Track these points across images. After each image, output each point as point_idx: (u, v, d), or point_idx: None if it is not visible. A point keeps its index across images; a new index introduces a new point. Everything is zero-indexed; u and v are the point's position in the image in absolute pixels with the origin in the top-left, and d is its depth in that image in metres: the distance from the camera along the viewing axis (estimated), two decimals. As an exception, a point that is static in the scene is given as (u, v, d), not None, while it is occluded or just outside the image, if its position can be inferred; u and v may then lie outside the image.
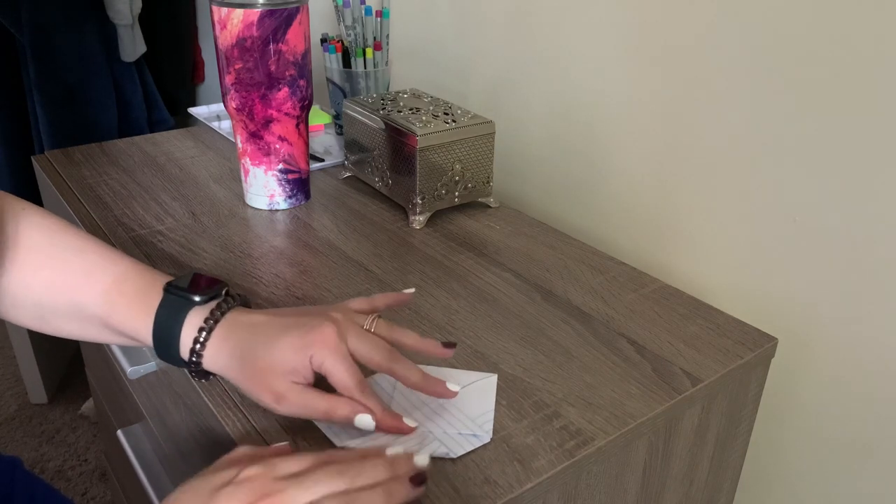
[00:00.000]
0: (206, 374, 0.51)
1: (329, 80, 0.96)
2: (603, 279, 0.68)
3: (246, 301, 0.53)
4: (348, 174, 0.88)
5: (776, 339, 0.60)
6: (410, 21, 1.02)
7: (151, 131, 1.58)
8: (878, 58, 0.54)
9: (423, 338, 0.50)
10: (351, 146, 0.85)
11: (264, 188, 0.79)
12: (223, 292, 0.51)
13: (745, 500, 0.74)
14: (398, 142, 0.75)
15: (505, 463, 0.46)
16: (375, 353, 0.47)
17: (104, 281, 0.52)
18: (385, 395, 0.52)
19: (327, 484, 0.38)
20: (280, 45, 0.72)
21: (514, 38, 0.86)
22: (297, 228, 0.76)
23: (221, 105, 1.10)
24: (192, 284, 0.51)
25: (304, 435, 0.48)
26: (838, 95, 0.57)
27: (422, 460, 0.42)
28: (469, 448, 0.47)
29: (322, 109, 1.09)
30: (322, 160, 0.93)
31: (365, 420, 0.46)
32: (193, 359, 0.49)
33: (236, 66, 0.73)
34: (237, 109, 0.75)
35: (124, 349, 0.66)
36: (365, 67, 0.92)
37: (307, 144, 0.80)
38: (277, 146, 0.77)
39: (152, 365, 0.64)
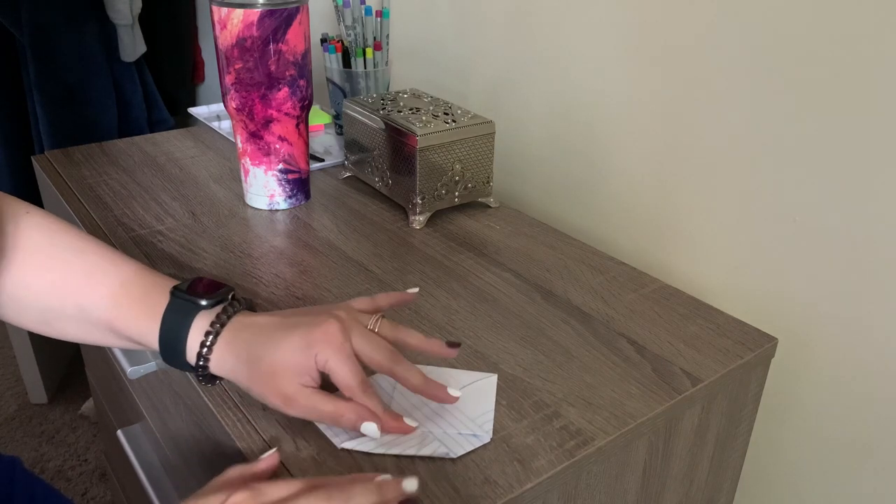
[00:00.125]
0: (213, 379, 0.51)
1: (329, 80, 0.96)
2: (603, 279, 0.68)
3: (251, 305, 0.53)
4: (348, 174, 0.88)
5: (776, 339, 0.60)
6: (410, 21, 1.02)
7: (151, 131, 1.58)
8: (878, 58, 0.54)
9: (427, 337, 0.50)
10: (351, 146, 0.85)
11: (264, 188, 0.79)
12: (229, 296, 0.51)
13: (745, 500, 0.74)
14: (398, 142, 0.75)
15: (505, 463, 0.46)
16: (377, 354, 0.47)
17: (109, 284, 0.51)
18: (385, 396, 0.52)
19: None
20: (280, 45, 0.72)
21: (514, 38, 0.86)
22: (297, 228, 0.76)
23: (221, 105, 1.10)
24: (199, 288, 0.51)
25: (303, 435, 0.48)
26: (838, 95, 0.57)
27: (410, 485, 0.42)
28: (469, 448, 0.47)
29: (322, 109, 1.09)
30: (322, 160, 0.93)
31: (370, 428, 0.46)
32: (200, 363, 0.49)
33: (236, 66, 0.73)
34: (237, 109, 0.75)
35: (124, 349, 0.66)
36: (365, 67, 0.92)
37: (307, 144, 0.80)
38: (277, 146, 0.77)
39: (152, 365, 0.64)
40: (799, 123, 0.60)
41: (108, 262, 0.53)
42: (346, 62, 0.93)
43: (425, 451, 0.47)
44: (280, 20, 0.71)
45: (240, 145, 0.78)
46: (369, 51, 0.91)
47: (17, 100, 1.47)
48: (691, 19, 0.66)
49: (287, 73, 0.74)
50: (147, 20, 1.56)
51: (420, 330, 0.59)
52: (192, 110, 1.11)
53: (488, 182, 0.80)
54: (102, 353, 0.86)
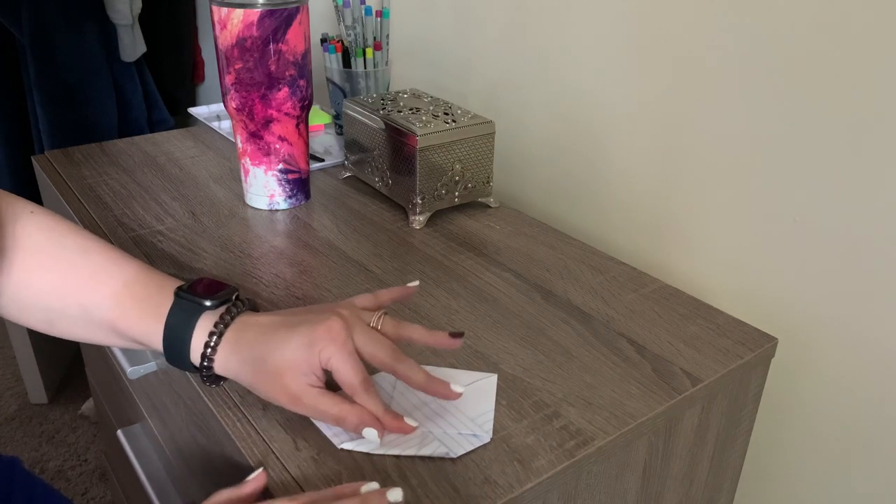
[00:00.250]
0: (217, 380, 0.51)
1: (329, 80, 0.96)
2: (603, 279, 0.68)
3: (254, 305, 0.53)
4: (348, 174, 0.88)
5: (776, 339, 0.60)
6: (410, 21, 1.02)
7: (151, 131, 1.58)
8: (878, 58, 0.54)
9: (430, 331, 0.50)
10: (351, 146, 0.85)
11: (264, 188, 0.79)
12: (233, 297, 0.51)
13: (745, 500, 0.74)
14: (398, 142, 0.75)
15: (505, 463, 0.46)
16: (380, 352, 0.47)
17: (112, 285, 0.51)
18: (385, 396, 0.52)
19: None
20: (280, 45, 0.72)
21: (514, 38, 0.86)
22: (297, 228, 0.76)
23: (221, 105, 1.10)
24: (203, 289, 0.51)
25: (303, 435, 0.48)
26: (838, 96, 0.57)
27: (394, 496, 0.42)
28: (469, 448, 0.47)
29: (322, 109, 1.09)
30: (322, 160, 0.93)
31: (371, 433, 0.46)
32: (205, 363, 0.49)
33: (236, 66, 0.73)
34: (237, 109, 0.75)
35: (124, 349, 0.66)
36: (365, 67, 0.92)
37: (307, 144, 0.80)
38: (277, 146, 0.77)
39: (152, 365, 0.64)
40: (799, 123, 0.60)
41: (111, 263, 0.53)
42: (346, 62, 0.93)
43: (425, 451, 0.47)
44: (280, 20, 0.71)
45: (240, 145, 0.78)
46: (369, 51, 0.91)
47: (17, 100, 1.47)
48: (691, 19, 0.66)
49: (287, 73, 0.74)
50: (147, 20, 1.56)
51: (420, 330, 0.59)
52: (192, 110, 1.11)
53: (488, 182, 0.80)
54: (102, 353, 0.86)
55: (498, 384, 0.53)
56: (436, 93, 0.99)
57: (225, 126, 1.05)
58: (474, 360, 0.56)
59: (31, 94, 1.42)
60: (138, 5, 1.47)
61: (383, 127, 0.77)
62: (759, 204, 0.65)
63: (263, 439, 0.48)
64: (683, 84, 0.69)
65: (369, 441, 0.47)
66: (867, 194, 0.57)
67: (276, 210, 0.80)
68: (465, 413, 0.50)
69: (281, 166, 0.78)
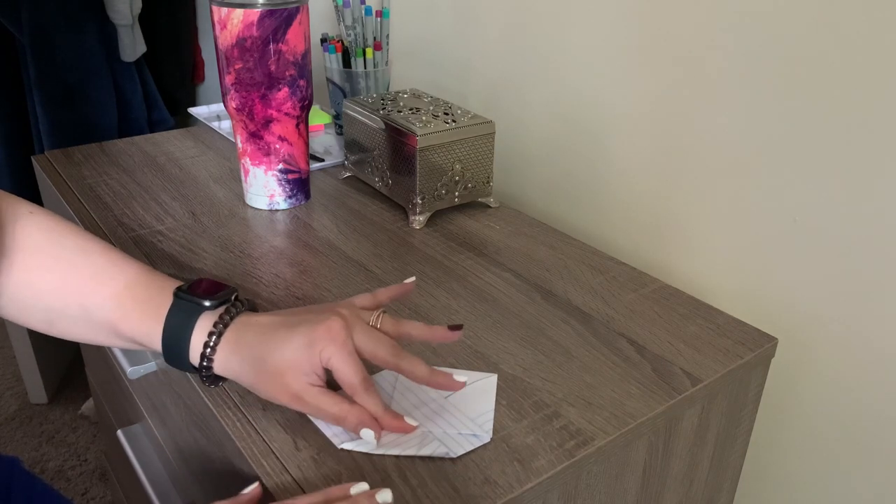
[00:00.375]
0: (217, 380, 0.51)
1: (329, 80, 0.96)
2: (603, 279, 0.68)
3: (253, 305, 0.53)
4: (348, 174, 0.88)
5: (776, 339, 0.60)
6: (410, 21, 1.02)
7: (151, 131, 1.58)
8: (877, 58, 0.54)
9: (429, 326, 0.50)
10: (351, 146, 0.85)
11: (264, 188, 0.79)
12: (232, 297, 0.51)
13: (745, 500, 0.74)
14: (398, 142, 0.75)
15: (505, 463, 0.46)
16: (380, 350, 0.47)
17: (113, 286, 0.52)
18: (385, 395, 0.52)
19: None
20: (280, 45, 0.72)
21: (514, 39, 0.86)
22: (297, 228, 0.76)
23: (221, 105, 1.10)
24: (202, 289, 0.51)
25: (303, 435, 0.48)
26: (838, 96, 0.57)
27: (384, 497, 0.42)
28: (469, 448, 0.47)
29: (322, 109, 1.09)
30: (322, 160, 0.93)
31: (368, 434, 0.46)
32: (204, 364, 0.49)
33: (236, 66, 0.73)
34: (237, 109, 0.75)
35: (124, 349, 0.66)
36: (365, 67, 0.92)
37: (307, 144, 0.80)
38: (277, 146, 0.77)
39: (152, 365, 0.64)
40: (798, 123, 0.60)
41: (112, 264, 0.53)
42: (346, 62, 0.93)
43: (425, 451, 0.47)
44: (280, 20, 0.71)
45: (240, 145, 0.78)
46: (369, 51, 0.91)
47: (17, 100, 1.47)
48: (691, 19, 0.66)
49: (287, 73, 0.74)
50: (147, 20, 1.56)
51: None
52: (192, 110, 1.11)
53: (488, 182, 0.80)
54: (102, 353, 0.86)
55: (498, 384, 0.53)
56: (436, 93, 0.99)
57: (225, 126, 1.05)
58: (474, 360, 0.56)
59: (31, 94, 1.42)
60: (138, 5, 1.47)
61: (383, 127, 0.77)
62: (759, 204, 0.65)
63: (263, 439, 0.48)
64: (683, 84, 0.69)
65: (367, 442, 0.47)
66: (867, 194, 0.57)
67: (276, 210, 0.80)
68: (465, 413, 0.50)
69: (281, 166, 0.78)
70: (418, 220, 0.77)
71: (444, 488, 0.44)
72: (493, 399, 0.52)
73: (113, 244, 0.71)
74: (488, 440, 0.48)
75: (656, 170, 0.74)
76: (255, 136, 0.77)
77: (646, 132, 0.74)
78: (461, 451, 0.47)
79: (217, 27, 0.72)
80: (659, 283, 0.68)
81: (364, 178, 0.84)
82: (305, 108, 0.77)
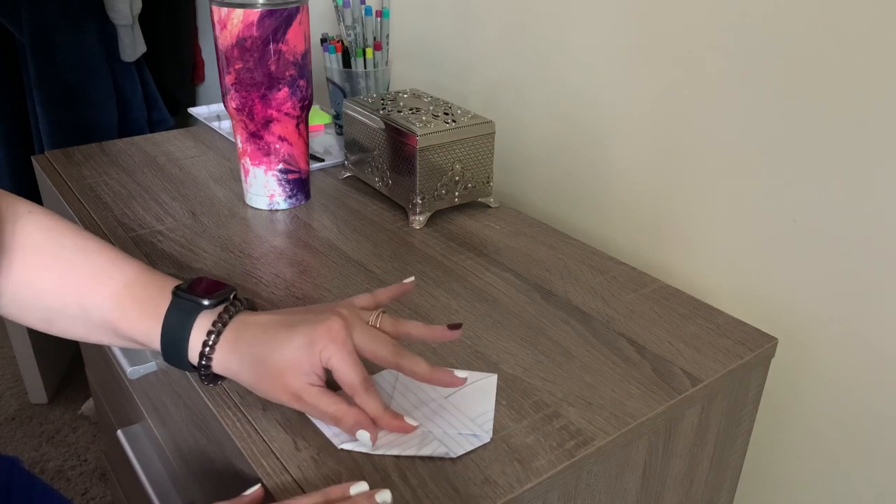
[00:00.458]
0: (216, 379, 0.51)
1: (329, 80, 0.96)
2: (603, 279, 0.68)
3: (252, 304, 0.53)
4: (348, 174, 0.88)
5: (776, 339, 0.60)
6: (410, 21, 1.02)
7: (151, 131, 1.58)
8: (877, 58, 0.54)
9: (428, 325, 0.50)
10: (351, 146, 0.85)
11: (264, 188, 0.79)
12: (231, 296, 0.51)
13: (745, 500, 0.74)
14: (398, 142, 0.75)
15: (505, 463, 0.46)
16: (381, 349, 0.47)
17: (112, 285, 0.52)
18: (385, 395, 0.52)
19: None
20: (280, 45, 0.72)
21: (514, 39, 0.86)
22: (297, 228, 0.76)
23: (221, 105, 1.10)
24: (201, 288, 0.51)
25: (303, 435, 0.48)
26: (838, 96, 0.57)
27: (383, 497, 0.42)
28: (469, 448, 0.47)
29: (322, 109, 1.09)
30: (322, 160, 0.93)
31: (364, 436, 0.46)
32: (203, 362, 0.49)
33: (236, 66, 0.73)
34: (237, 109, 0.75)
35: (124, 349, 0.66)
36: (365, 67, 0.92)
37: (307, 144, 0.80)
38: (277, 146, 0.77)
39: (152, 365, 0.64)
40: (798, 123, 0.60)
41: (111, 264, 0.53)
42: (346, 62, 0.93)
43: (425, 451, 0.47)
44: (280, 20, 0.71)
45: (240, 145, 0.78)
46: (369, 51, 0.91)
47: (17, 100, 1.47)
48: (691, 19, 0.66)
49: (287, 73, 0.74)
50: (147, 20, 1.56)
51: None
52: (192, 110, 1.11)
53: (488, 182, 0.80)
54: (102, 353, 0.86)
55: (498, 384, 0.53)
56: (436, 93, 0.99)
57: (225, 126, 1.05)
58: (474, 360, 0.56)
59: (31, 94, 1.42)
60: (138, 5, 1.47)
61: (383, 127, 0.77)
62: (759, 204, 0.65)
63: (263, 439, 0.48)
64: (683, 84, 0.69)
65: (363, 444, 0.47)
66: (867, 194, 0.57)
67: (276, 210, 0.80)
68: (465, 413, 0.50)
69: (281, 166, 0.78)
70: (418, 220, 0.77)
71: (444, 488, 0.44)
72: (493, 399, 0.52)
73: (112, 244, 0.71)
74: (488, 440, 0.48)
75: (656, 170, 0.74)
76: (255, 136, 0.77)
77: (646, 132, 0.74)
78: (461, 451, 0.47)
79: (217, 27, 0.72)
80: (659, 283, 0.68)
81: (364, 178, 0.84)
82: (305, 108, 0.77)
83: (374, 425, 0.47)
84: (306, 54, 0.75)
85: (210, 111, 1.11)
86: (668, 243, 0.75)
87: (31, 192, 0.94)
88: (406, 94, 0.84)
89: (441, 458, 0.46)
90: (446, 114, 0.77)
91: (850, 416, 0.63)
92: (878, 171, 0.56)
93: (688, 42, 0.67)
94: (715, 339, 0.59)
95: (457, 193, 0.78)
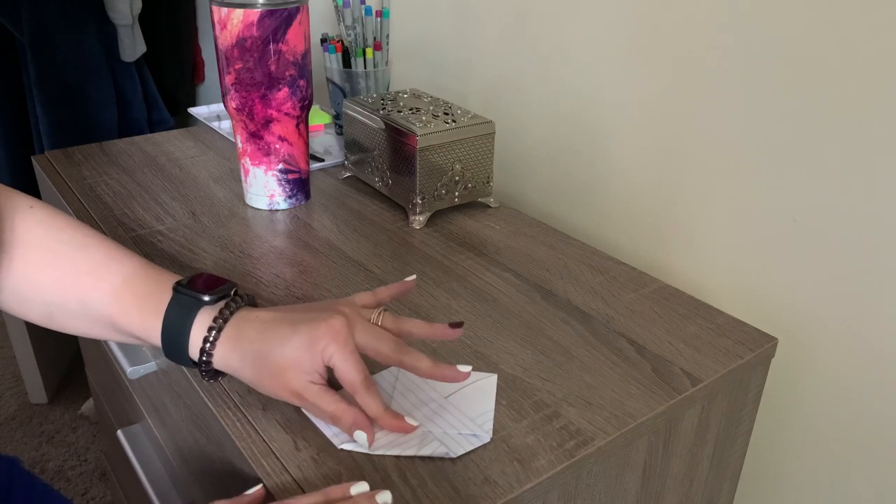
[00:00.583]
0: (216, 375, 0.51)
1: (329, 80, 0.96)
2: (603, 279, 0.68)
3: (253, 301, 0.53)
4: (348, 174, 0.88)
5: (776, 339, 0.60)
6: (410, 21, 1.02)
7: (151, 131, 1.58)
8: (877, 58, 0.54)
9: (429, 324, 0.50)
10: (351, 146, 0.85)
11: (264, 188, 0.79)
12: (232, 292, 0.51)
13: (745, 500, 0.74)
14: (398, 142, 0.75)
15: (505, 463, 0.46)
16: (383, 346, 0.47)
17: (112, 281, 0.52)
18: (385, 396, 0.52)
19: None
20: (280, 45, 0.72)
21: (514, 39, 0.86)
22: (297, 228, 0.76)
23: (221, 105, 1.10)
24: (202, 284, 0.51)
25: (303, 435, 0.48)
26: (838, 96, 0.57)
27: (383, 499, 0.42)
28: (469, 448, 0.47)
29: (322, 109, 1.09)
30: (322, 160, 0.93)
31: (361, 437, 0.46)
32: (203, 358, 0.49)
33: (236, 66, 0.73)
34: (237, 109, 0.75)
35: (124, 349, 0.66)
36: (365, 67, 0.92)
37: (307, 144, 0.80)
38: (277, 146, 0.77)
39: (152, 365, 0.64)
40: (798, 123, 0.60)
41: (111, 259, 0.53)
42: (346, 62, 0.93)
43: (425, 451, 0.47)
44: (280, 20, 0.71)
45: (240, 145, 0.78)
46: (369, 51, 0.91)
47: (17, 100, 1.47)
48: (691, 19, 0.66)
49: (287, 73, 0.74)
50: (147, 20, 1.56)
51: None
52: (192, 110, 1.11)
53: (488, 182, 0.80)
54: (102, 353, 0.86)
55: (498, 384, 0.53)
56: (436, 93, 0.99)
57: (225, 126, 1.05)
58: (474, 360, 0.56)
59: (31, 94, 1.42)
60: (138, 5, 1.47)
61: (383, 127, 0.77)
62: (759, 204, 0.65)
63: (263, 439, 0.48)
64: (683, 84, 0.69)
65: (359, 445, 0.47)
66: (867, 194, 0.57)
67: (276, 210, 0.80)
68: (465, 413, 0.50)
69: (281, 166, 0.78)
70: (418, 220, 0.77)
71: (444, 488, 0.44)
72: (493, 399, 0.52)
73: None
74: (488, 440, 0.48)
75: (656, 170, 0.74)
76: (255, 136, 0.77)
77: (646, 132, 0.74)
78: (461, 451, 0.47)
79: (217, 27, 0.72)
80: (659, 283, 0.68)
81: (364, 178, 0.84)
82: (305, 108, 0.77)
83: (371, 426, 0.47)
84: (306, 54, 0.75)
85: (210, 111, 1.11)
86: (668, 243, 0.75)
87: (30, 192, 0.93)
88: (406, 94, 0.84)
89: (441, 458, 0.46)
90: (446, 114, 0.77)
91: (850, 416, 0.63)
92: (878, 172, 0.56)
93: (688, 42, 0.67)
94: (715, 339, 0.59)
95: (457, 193, 0.78)
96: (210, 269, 0.68)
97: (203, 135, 1.03)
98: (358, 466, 0.46)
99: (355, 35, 0.92)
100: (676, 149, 0.71)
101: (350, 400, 0.48)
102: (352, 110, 0.82)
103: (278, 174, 0.79)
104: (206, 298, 0.49)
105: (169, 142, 1.00)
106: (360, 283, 0.66)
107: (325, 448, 0.47)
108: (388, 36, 0.92)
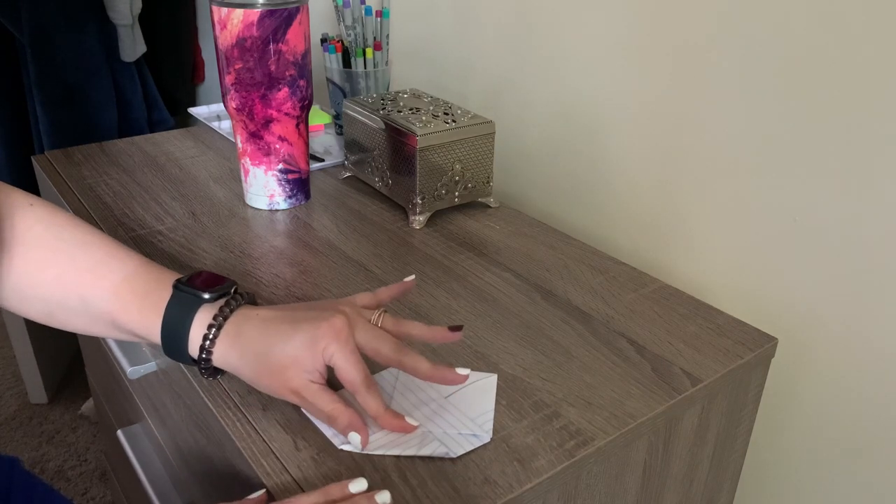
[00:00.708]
0: (216, 372, 0.51)
1: (329, 80, 0.96)
2: (603, 279, 0.68)
3: (253, 299, 0.53)
4: (348, 174, 0.88)
5: (776, 339, 0.60)
6: (410, 21, 1.02)
7: (151, 131, 1.58)
8: (878, 57, 0.54)
9: (429, 326, 0.50)
10: (351, 146, 0.85)
11: (264, 188, 0.79)
12: (232, 290, 0.51)
13: (745, 500, 0.74)
14: (398, 142, 0.75)
15: (505, 463, 0.46)
16: (383, 347, 0.47)
17: (112, 279, 0.52)
18: (385, 396, 0.52)
19: None
20: (280, 45, 0.72)
21: (515, 39, 0.86)
22: (297, 228, 0.76)
23: (221, 105, 1.10)
24: (202, 282, 0.51)
25: (303, 435, 0.48)
26: (838, 96, 0.57)
27: (382, 499, 0.42)
28: (469, 448, 0.47)
29: (322, 109, 1.09)
30: (322, 160, 0.93)
31: (355, 438, 0.46)
32: (203, 356, 0.49)
33: (236, 66, 0.73)
34: (237, 109, 0.75)
35: (124, 349, 0.66)
36: (365, 67, 0.92)
37: (307, 144, 0.80)
38: (277, 146, 0.77)
39: (152, 365, 0.64)
40: (798, 123, 0.60)
41: (111, 257, 0.53)
42: (346, 62, 0.93)
43: (425, 451, 0.47)
44: (280, 20, 0.71)
45: (240, 145, 0.78)
46: (369, 51, 0.91)
47: (17, 100, 1.47)
48: (691, 20, 0.66)
49: (287, 73, 0.74)
50: (147, 20, 1.56)
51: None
52: (192, 110, 1.11)
53: (488, 182, 0.80)
54: (102, 353, 0.86)
55: (498, 384, 0.53)
56: (436, 93, 0.99)
57: (225, 126, 1.05)
58: (474, 360, 0.56)
59: (31, 94, 1.42)
60: (138, 5, 1.47)
61: (383, 127, 0.77)
62: (759, 204, 0.65)
63: (263, 439, 0.48)
64: (683, 84, 0.69)
65: (354, 445, 0.47)
66: (867, 194, 0.57)
67: (276, 210, 0.80)
68: (465, 413, 0.50)
69: (281, 166, 0.78)
70: (418, 220, 0.77)
71: (444, 488, 0.44)
72: (493, 399, 0.52)
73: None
74: (488, 440, 0.48)
75: (656, 170, 0.74)
76: (255, 136, 0.77)
77: (646, 132, 0.74)
78: (461, 451, 0.47)
79: (217, 27, 0.72)
80: (659, 283, 0.68)
81: (364, 178, 0.84)
82: (305, 108, 0.77)
83: (366, 428, 0.47)
84: (306, 54, 0.75)
85: (210, 111, 1.11)
86: (668, 243, 0.75)
87: (31, 192, 0.94)
88: (406, 94, 0.84)
89: (441, 458, 0.46)
90: (446, 114, 0.77)
91: (849, 416, 0.63)
92: (878, 171, 0.56)
93: (688, 42, 0.67)
94: (715, 339, 0.59)
95: (457, 193, 0.78)
96: (210, 269, 0.68)
97: (203, 135, 1.03)
98: (358, 466, 0.46)
99: (355, 35, 0.92)
100: (676, 149, 0.71)
101: (350, 401, 0.48)
102: (352, 110, 0.82)
103: (278, 174, 0.79)
104: (207, 296, 0.49)
105: (169, 142, 1.00)
106: (360, 283, 0.66)
107: (325, 448, 0.47)
108: (388, 36, 0.92)
